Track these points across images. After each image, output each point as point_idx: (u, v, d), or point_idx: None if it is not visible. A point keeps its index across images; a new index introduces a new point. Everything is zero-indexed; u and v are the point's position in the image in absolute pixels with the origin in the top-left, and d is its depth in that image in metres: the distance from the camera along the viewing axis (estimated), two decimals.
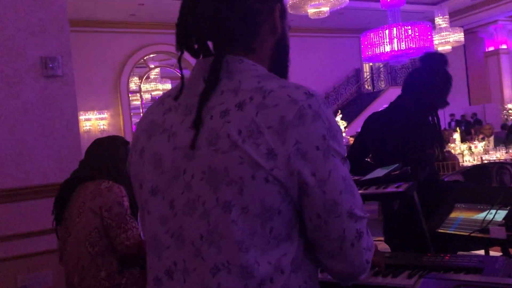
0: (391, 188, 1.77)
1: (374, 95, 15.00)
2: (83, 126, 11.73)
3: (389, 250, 2.24)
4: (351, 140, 10.34)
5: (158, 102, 0.97)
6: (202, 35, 0.92)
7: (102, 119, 12.05)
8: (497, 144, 7.87)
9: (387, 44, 9.61)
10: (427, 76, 2.20)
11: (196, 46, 0.95)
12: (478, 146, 7.42)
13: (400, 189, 1.73)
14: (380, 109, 2.66)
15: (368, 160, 2.51)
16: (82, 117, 11.67)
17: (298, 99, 0.82)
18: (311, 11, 8.68)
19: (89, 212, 2.19)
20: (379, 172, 1.92)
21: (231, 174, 0.81)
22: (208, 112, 0.85)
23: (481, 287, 0.83)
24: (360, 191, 1.88)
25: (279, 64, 0.99)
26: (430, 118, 2.30)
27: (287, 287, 0.85)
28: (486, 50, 15.13)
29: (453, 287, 0.83)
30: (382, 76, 15.95)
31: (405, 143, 2.20)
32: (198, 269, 0.84)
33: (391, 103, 2.37)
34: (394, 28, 9.55)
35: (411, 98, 2.25)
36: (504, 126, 11.47)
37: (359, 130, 2.50)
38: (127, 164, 1.01)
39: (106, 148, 2.37)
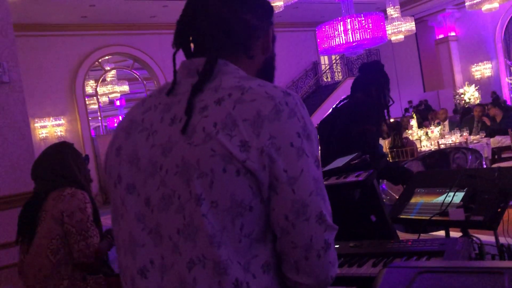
0: (351, 178, 1.79)
1: (332, 87, 15.21)
2: (39, 134, 11.34)
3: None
4: None
5: (139, 103, 0.99)
6: (204, 36, 0.95)
7: (59, 125, 11.69)
8: (451, 128, 8.14)
9: (342, 36, 9.74)
10: (370, 77, 2.59)
11: (192, 46, 0.98)
12: (435, 131, 7.65)
13: (360, 178, 1.75)
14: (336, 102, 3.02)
15: None
16: (37, 124, 11.28)
17: (275, 96, 0.84)
18: None
19: (50, 220, 2.12)
20: (339, 162, 1.93)
21: (202, 166, 0.81)
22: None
23: (442, 271, 0.84)
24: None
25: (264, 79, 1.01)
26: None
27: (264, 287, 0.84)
28: (437, 38, 15.60)
29: (416, 274, 0.83)
30: (339, 68, 16.19)
31: (351, 121, 2.46)
32: (175, 264, 0.84)
33: (340, 101, 2.70)
34: (348, 20, 9.68)
35: (360, 95, 2.58)
36: (455, 111, 11.87)
37: (319, 122, 2.83)
38: (104, 162, 1.01)
39: (59, 156, 2.29)
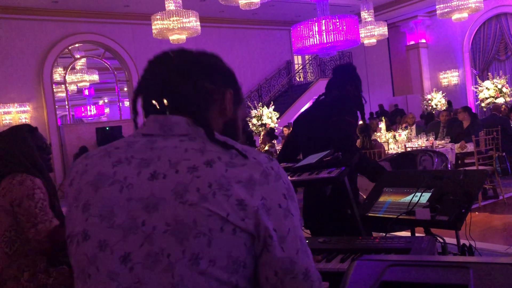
0: (324, 174, 1.81)
1: (304, 87, 15.32)
2: (3, 120, 11.01)
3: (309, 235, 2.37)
4: (285, 130, 10.51)
5: (103, 155, 0.95)
6: (160, 105, 0.96)
7: (24, 112, 11.34)
8: (418, 132, 8.34)
9: (316, 37, 9.83)
10: (344, 77, 2.66)
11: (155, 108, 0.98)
12: (402, 134, 7.82)
13: (332, 175, 1.77)
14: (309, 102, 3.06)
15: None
16: (1, 110, 10.93)
17: (262, 162, 0.90)
18: (242, 2, 8.65)
19: (1, 210, 2.05)
20: (312, 159, 1.95)
21: (199, 226, 0.82)
22: (172, 166, 0.87)
23: (411, 265, 0.86)
24: (293, 178, 1.92)
25: None
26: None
27: None
28: (408, 44, 15.93)
29: (385, 267, 0.85)
30: (312, 68, 16.33)
31: (330, 114, 2.49)
32: None
33: (317, 98, 2.75)
34: (323, 21, 9.77)
35: (336, 92, 2.63)
36: (422, 116, 12.17)
37: (291, 121, 2.86)
38: (66, 218, 0.96)
39: (14, 140, 2.20)
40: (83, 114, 18.19)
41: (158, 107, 0.96)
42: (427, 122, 9.65)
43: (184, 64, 0.98)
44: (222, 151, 0.89)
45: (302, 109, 15.01)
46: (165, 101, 0.95)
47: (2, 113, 11.04)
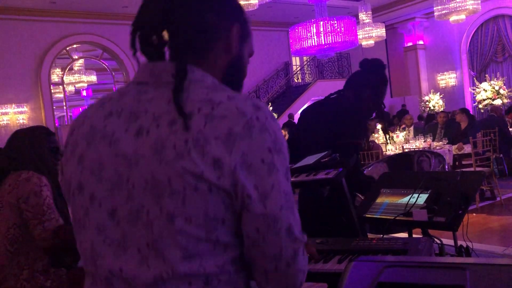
0: (321, 175, 1.81)
1: (302, 88, 15.33)
2: (0, 121, 10.96)
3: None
4: (284, 132, 10.52)
5: (98, 105, 0.94)
6: (160, 41, 0.90)
7: (21, 112, 11.32)
8: (416, 133, 8.36)
9: (314, 38, 9.85)
10: (366, 77, 2.37)
11: (152, 49, 0.91)
12: (400, 135, 7.83)
13: (329, 176, 1.77)
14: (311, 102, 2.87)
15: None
16: None
17: (246, 112, 0.83)
18: (240, 3, 8.66)
19: (7, 207, 2.06)
20: (309, 160, 1.95)
21: (173, 184, 0.80)
22: (155, 120, 0.84)
23: (408, 266, 0.86)
24: (291, 179, 1.92)
25: (231, 82, 0.96)
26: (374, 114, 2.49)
27: (232, 283, 0.87)
28: (405, 45, 15.98)
29: (383, 268, 0.85)
30: (309, 69, 16.34)
31: (335, 130, 2.30)
32: (140, 276, 0.83)
33: (329, 95, 2.49)
34: (321, 23, 9.80)
35: (351, 95, 2.39)
36: (420, 117, 12.19)
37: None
38: (60, 166, 0.97)
39: (28, 138, 2.24)
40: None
41: (156, 46, 0.90)
42: (427, 123, 9.65)
43: None
44: (204, 100, 0.84)
45: (300, 110, 15.03)
46: (165, 35, 0.89)
47: (0, 114, 11.01)
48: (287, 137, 8.87)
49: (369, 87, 2.35)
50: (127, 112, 0.88)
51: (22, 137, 2.26)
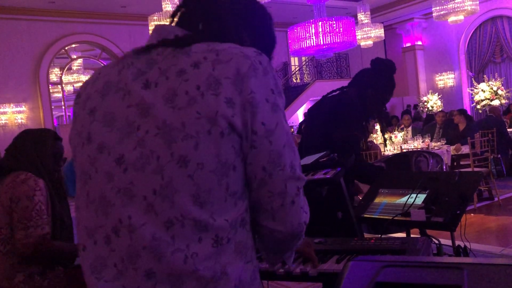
0: (319, 175, 1.81)
1: (301, 88, 15.32)
2: None
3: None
4: None
5: (115, 63, 0.99)
6: (201, 18, 1.00)
7: (20, 112, 11.29)
8: (414, 134, 8.36)
9: (313, 38, 9.84)
10: (374, 77, 2.38)
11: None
12: (398, 136, 7.83)
13: (328, 176, 1.77)
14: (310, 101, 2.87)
15: None
16: None
17: (249, 55, 0.89)
18: None
19: (1, 206, 2.04)
20: (308, 160, 1.95)
21: (187, 129, 0.83)
22: (162, 74, 0.88)
23: (406, 266, 0.87)
24: None
25: None
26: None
27: (239, 240, 0.90)
28: (404, 46, 15.98)
29: (381, 268, 0.85)
30: (308, 69, 16.34)
31: (333, 123, 2.32)
32: (148, 223, 0.85)
33: (331, 91, 2.49)
34: (320, 23, 9.79)
35: (354, 92, 2.39)
36: (415, 118, 12.17)
37: (291, 122, 2.66)
38: (72, 123, 1.00)
39: (33, 138, 2.22)
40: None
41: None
42: (427, 123, 9.65)
43: None
44: (208, 50, 0.89)
45: (299, 110, 15.04)
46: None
47: None
48: None
49: (373, 87, 2.36)
50: (137, 68, 0.93)
51: (28, 137, 2.23)
